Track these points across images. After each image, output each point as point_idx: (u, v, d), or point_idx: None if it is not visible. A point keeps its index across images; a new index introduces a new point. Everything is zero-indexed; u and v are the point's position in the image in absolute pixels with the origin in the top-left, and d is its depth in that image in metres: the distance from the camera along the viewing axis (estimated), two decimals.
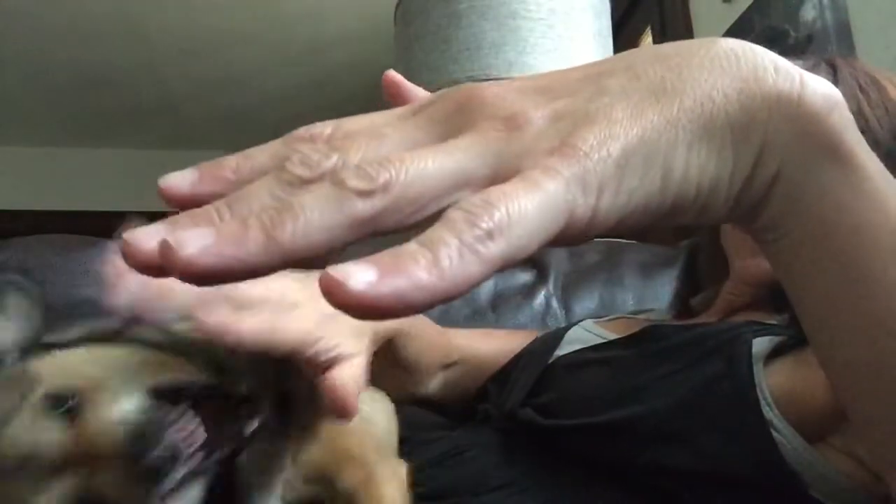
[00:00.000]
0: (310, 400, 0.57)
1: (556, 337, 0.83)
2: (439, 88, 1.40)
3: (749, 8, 1.93)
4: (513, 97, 0.27)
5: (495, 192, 0.23)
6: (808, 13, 1.72)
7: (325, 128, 0.29)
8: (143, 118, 3.74)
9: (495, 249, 0.22)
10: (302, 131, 0.29)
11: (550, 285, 1.19)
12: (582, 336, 0.84)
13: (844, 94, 0.83)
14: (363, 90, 3.49)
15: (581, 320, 0.91)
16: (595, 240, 1.34)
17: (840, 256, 0.30)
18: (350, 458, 0.62)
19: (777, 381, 0.58)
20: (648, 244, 1.37)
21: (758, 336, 0.62)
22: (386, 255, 0.22)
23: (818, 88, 0.31)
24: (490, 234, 0.22)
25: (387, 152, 0.26)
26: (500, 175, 0.24)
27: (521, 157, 0.25)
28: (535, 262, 1.22)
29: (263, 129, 4.10)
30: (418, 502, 0.63)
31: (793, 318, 0.70)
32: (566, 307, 1.17)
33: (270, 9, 3.06)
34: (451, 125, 0.26)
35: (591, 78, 0.28)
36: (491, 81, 0.28)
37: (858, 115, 0.78)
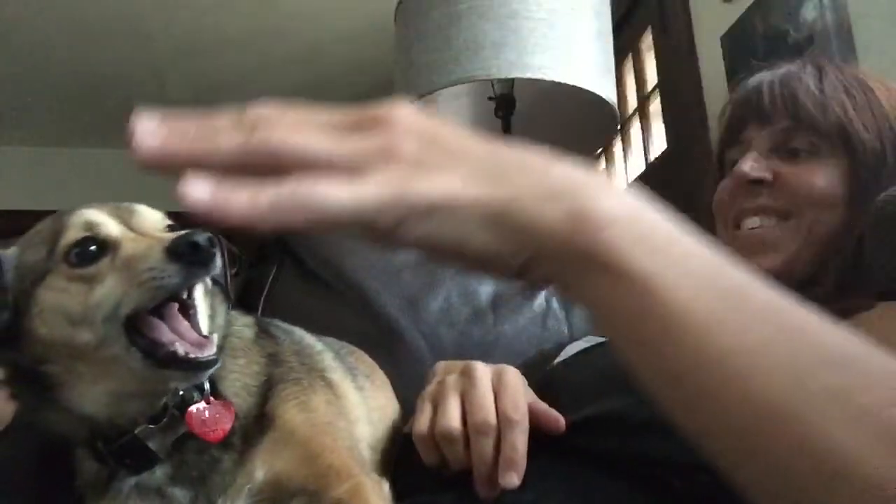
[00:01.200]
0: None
1: (559, 345, 0.84)
2: (440, 89, 1.38)
3: (749, 8, 1.93)
4: (413, 137, 0.34)
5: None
6: (809, 13, 1.72)
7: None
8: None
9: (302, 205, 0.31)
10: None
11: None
12: (583, 346, 0.85)
13: (830, 96, 0.83)
14: (364, 90, 3.49)
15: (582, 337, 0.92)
16: None
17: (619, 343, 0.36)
18: (335, 473, 0.63)
19: None
20: None
21: None
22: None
23: (601, 208, 0.34)
24: (296, 188, 0.32)
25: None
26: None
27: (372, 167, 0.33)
28: None
29: None
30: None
31: None
32: (566, 308, 1.18)
33: (270, 9, 3.06)
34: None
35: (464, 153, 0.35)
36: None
37: (843, 116, 0.78)
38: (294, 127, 0.34)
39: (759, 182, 0.80)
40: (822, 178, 0.78)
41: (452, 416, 0.63)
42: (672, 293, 0.34)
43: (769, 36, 1.85)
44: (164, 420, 0.62)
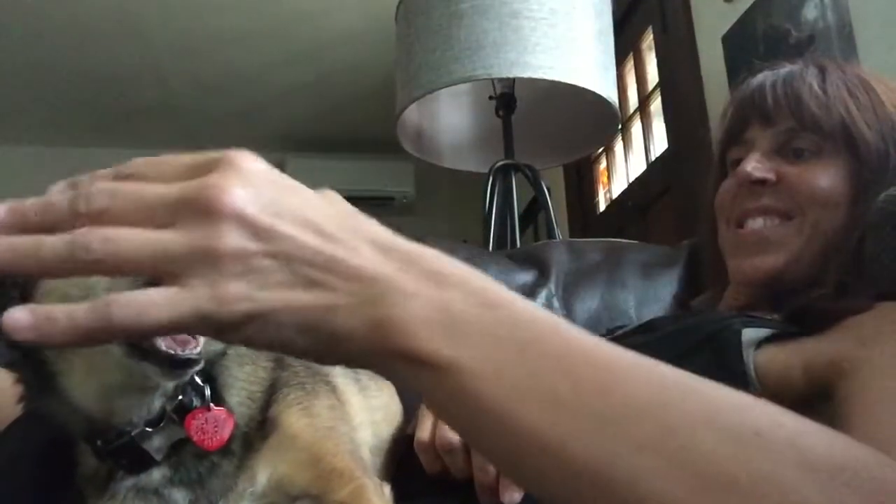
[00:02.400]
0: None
1: None
2: (441, 88, 1.38)
3: (751, 7, 1.93)
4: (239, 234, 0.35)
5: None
6: (810, 13, 1.72)
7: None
8: (145, 118, 3.74)
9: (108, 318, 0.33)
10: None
11: (552, 285, 1.19)
12: None
13: (833, 96, 0.83)
14: (364, 89, 3.49)
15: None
16: (596, 239, 1.34)
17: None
18: (338, 476, 0.63)
19: (764, 359, 0.59)
20: (650, 244, 1.36)
21: (748, 327, 0.63)
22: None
23: (401, 314, 0.35)
24: (108, 307, 0.33)
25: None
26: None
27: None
28: (536, 261, 1.22)
29: (266, 128, 4.07)
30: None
31: (788, 316, 0.71)
32: (567, 307, 1.17)
33: (272, 8, 3.06)
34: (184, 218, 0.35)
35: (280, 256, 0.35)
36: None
37: (847, 115, 0.78)
38: (114, 221, 0.35)
39: (762, 182, 0.80)
40: (825, 178, 0.78)
41: (427, 433, 0.63)
42: (476, 379, 0.35)
43: (770, 35, 1.85)
44: (161, 424, 0.62)
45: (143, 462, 0.62)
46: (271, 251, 0.35)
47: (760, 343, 0.62)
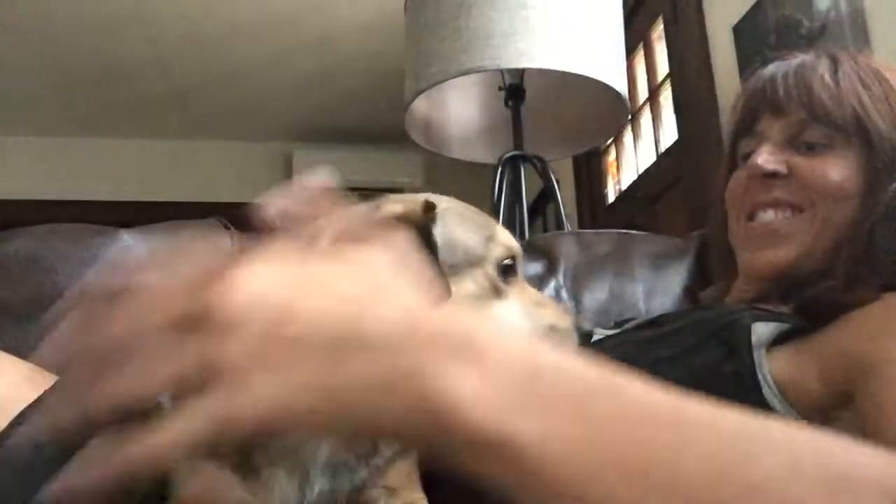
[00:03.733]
0: None
1: None
2: (450, 79, 1.38)
3: None
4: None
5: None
6: (822, 2, 1.70)
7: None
8: (153, 109, 3.74)
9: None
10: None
11: (560, 276, 1.18)
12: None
13: (845, 88, 0.83)
14: (373, 80, 3.48)
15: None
16: (605, 231, 1.34)
17: None
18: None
19: (777, 365, 0.59)
20: (659, 235, 1.36)
21: (758, 321, 0.62)
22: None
23: (446, 388, 0.32)
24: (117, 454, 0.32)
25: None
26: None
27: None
28: (544, 252, 1.22)
29: (274, 119, 4.07)
30: None
31: (797, 309, 0.70)
32: (576, 298, 1.17)
33: None
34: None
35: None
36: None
37: (859, 107, 0.78)
38: (125, 347, 0.33)
39: (773, 175, 0.80)
40: (836, 170, 0.78)
41: None
42: (540, 454, 0.31)
43: (781, 26, 1.83)
44: None
45: None
46: (284, 341, 0.32)
47: (772, 344, 0.61)
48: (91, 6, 3.03)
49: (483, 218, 0.66)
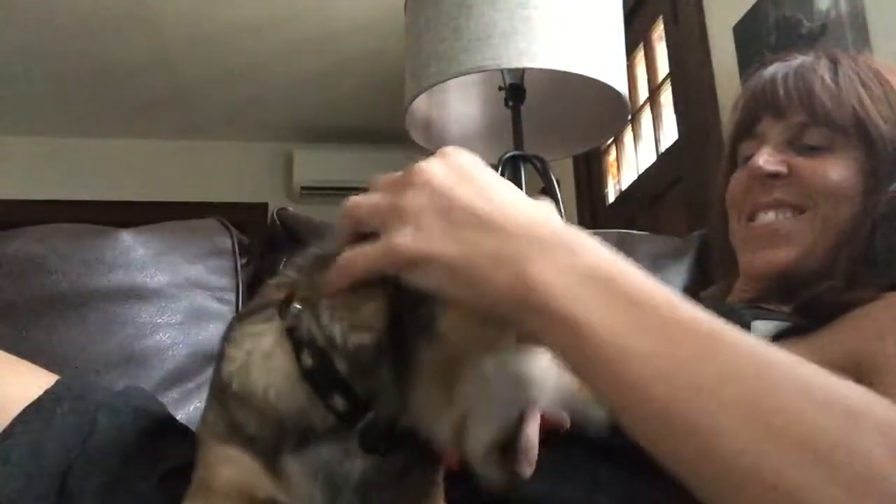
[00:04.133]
0: None
1: None
2: (450, 79, 1.37)
3: None
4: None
5: None
6: (823, 2, 1.70)
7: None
8: (155, 108, 3.75)
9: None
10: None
11: None
12: None
13: (845, 89, 0.83)
14: (373, 80, 3.48)
15: None
16: (605, 230, 1.34)
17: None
18: None
19: None
20: (659, 235, 1.36)
21: (758, 319, 0.63)
22: None
23: (535, 272, 0.43)
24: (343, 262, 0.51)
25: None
26: None
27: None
28: None
29: (274, 119, 4.06)
30: None
31: (798, 308, 0.70)
32: None
33: None
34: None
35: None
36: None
37: (860, 107, 0.78)
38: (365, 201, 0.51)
39: (774, 176, 0.80)
40: (837, 171, 0.78)
41: None
42: (594, 336, 0.40)
43: (782, 26, 1.83)
44: None
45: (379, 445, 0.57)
46: (439, 207, 0.46)
47: (771, 340, 0.61)
48: (91, 7, 3.03)
49: None
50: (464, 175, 0.48)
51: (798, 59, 0.84)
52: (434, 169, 0.47)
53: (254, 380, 0.54)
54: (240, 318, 0.61)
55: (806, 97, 0.80)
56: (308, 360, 0.53)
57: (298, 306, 0.55)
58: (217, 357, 0.59)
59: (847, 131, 0.78)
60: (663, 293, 0.42)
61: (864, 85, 0.79)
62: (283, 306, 0.56)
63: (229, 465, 0.54)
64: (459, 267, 0.44)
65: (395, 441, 0.54)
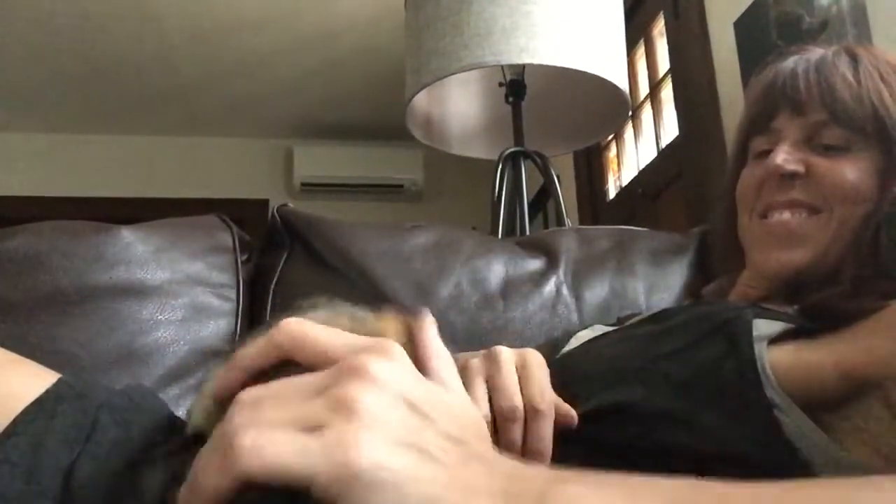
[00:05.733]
0: None
1: (568, 333, 0.84)
2: (450, 75, 1.38)
3: None
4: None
5: None
6: None
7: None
8: (155, 105, 3.74)
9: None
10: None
11: (561, 272, 1.18)
12: (591, 335, 0.84)
13: (865, 85, 0.81)
14: (373, 76, 3.48)
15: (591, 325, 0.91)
16: (605, 227, 1.34)
17: None
18: None
19: (780, 361, 0.58)
20: (660, 231, 1.36)
21: (760, 318, 0.62)
22: None
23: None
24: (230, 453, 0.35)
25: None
26: None
27: None
28: (545, 249, 1.22)
29: (274, 115, 4.07)
30: None
31: (802, 309, 0.70)
32: (576, 295, 1.17)
33: None
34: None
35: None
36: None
37: (880, 105, 0.77)
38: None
39: (791, 175, 0.79)
40: (854, 172, 0.77)
41: (481, 401, 0.62)
42: None
43: (782, 21, 1.83)
44: None
45: None
46: (405, 418, 0.35)
47: (774, 340, 0.61)
48: (91, 3, 3.03)
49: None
50: (412, 385, 0.37)
51: (817, 54, 0.83)
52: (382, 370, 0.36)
53: None
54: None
55: (828, 95, 0.78)
56: None
57: None
58: None
59: (866, 131, 0.77)
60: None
61: (883, 80, 0.78)
62: None
63: None
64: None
65: None
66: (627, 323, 0.84)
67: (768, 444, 0.55)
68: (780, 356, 0.59)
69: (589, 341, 0.82)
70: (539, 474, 0.37)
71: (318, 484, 0.32)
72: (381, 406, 0.34)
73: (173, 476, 0.67)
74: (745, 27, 1.97)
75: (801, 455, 0.54)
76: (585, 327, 0.92)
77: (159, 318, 1.09)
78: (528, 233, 1.83)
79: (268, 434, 0.33)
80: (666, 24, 2.48)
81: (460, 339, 1.05)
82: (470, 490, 0.34)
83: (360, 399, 0.34)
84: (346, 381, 0.35)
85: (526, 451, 0.60)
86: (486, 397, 0.63)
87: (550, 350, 0.82)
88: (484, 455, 0.37)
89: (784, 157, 0.78)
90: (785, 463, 0.54)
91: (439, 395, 0.38)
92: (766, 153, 0.82)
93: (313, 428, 0.33)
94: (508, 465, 0.37)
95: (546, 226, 3.31)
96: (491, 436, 0.62)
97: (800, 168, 0.78)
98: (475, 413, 0.40)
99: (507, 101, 1.85)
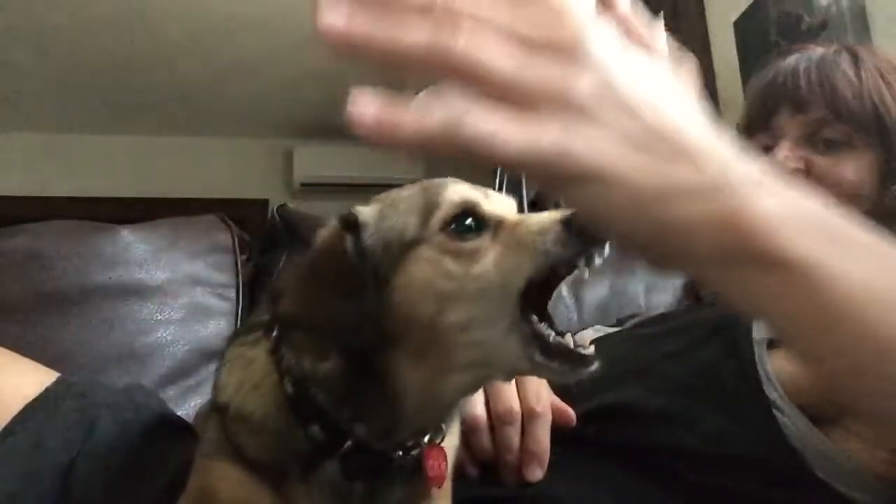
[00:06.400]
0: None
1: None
2: None
3: None
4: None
5: None
6: None
7: None
8: (154, 105, 3.74)
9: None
10: None
11: None
12: (592, 335, 0.84)
13: (866, 84, 0.81)
14: (375, 76, 3.48)
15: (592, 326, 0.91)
16: None
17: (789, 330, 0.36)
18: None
19: (781, 364, 0.58)
20: None
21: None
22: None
23: (755, 211, 0.33)
24: (462, 116, 0.32)
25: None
26: None
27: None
28: None
29: (274, 115, 4.04)
30: None
31: None
32: (576, 294, 1.17)
33: None
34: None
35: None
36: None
37: (881, 104, 0.77)
38: (481, 30, 0.32)
39: (791, 173, 0.78)
40: (853, 170, 0.77)
41: (477, 405, 0.63)
42: (831, 279, 0.33)
43: (782, 21, 1.83)
44: (413, 452, 0.56)
45: (360, 475, 0.55)
46: (621, 102, 0.33)
47: (774, 342, 0.61)
48: (90, 3, 3.03)
49: (425, 194, 0.58)
50: (642, 66, 0.35)
51: (818, 52, 0.83)
52: (605, 49, 0.33)
53: (250, 409, 0.55)
54: (231, 338, 0.62)
55: (829, 92, 0.78)
56: (289, 389, 0.54)
57: (277, 334, 0.55)
58: (216, 373, 0.60)
59: (867, 128, 0.77)
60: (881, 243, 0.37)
61: (884, 79, 0.78)
62: (268, 331, 0.56)
63: (231, 484, 0.55)
64: (641, 197, 0.32)
65: (374, 469, 0.54)
66: (628, 324, 0.84)
67: (768, 444, 0.55)
68: (781, 361, 0.59)
69: (592, 342, 0.82)
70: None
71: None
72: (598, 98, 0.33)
73: (173, 476, 0.67)
74: (745, 27, 1.97)
75: (801, 455, 0.54)
76: (585, 328, 0.92)
77: (159, 317, 1.09)
78: None
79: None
80: (665, 24, 2.48)
81: None
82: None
83: (576, 90, 0.32)
84: (562, 64, 0.33)
85: (523, 453, 0.61)
86: (482, 400, 0.63)
87: None
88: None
89: (786, 154, 0.78)
90: (784, 463, 0.54)
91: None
92: (767, 150, 0.82)
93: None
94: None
95: None
96: (487, 439, 0.62)
97: (800, 166, 0.78)
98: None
99: None
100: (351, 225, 0.55)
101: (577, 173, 0.32)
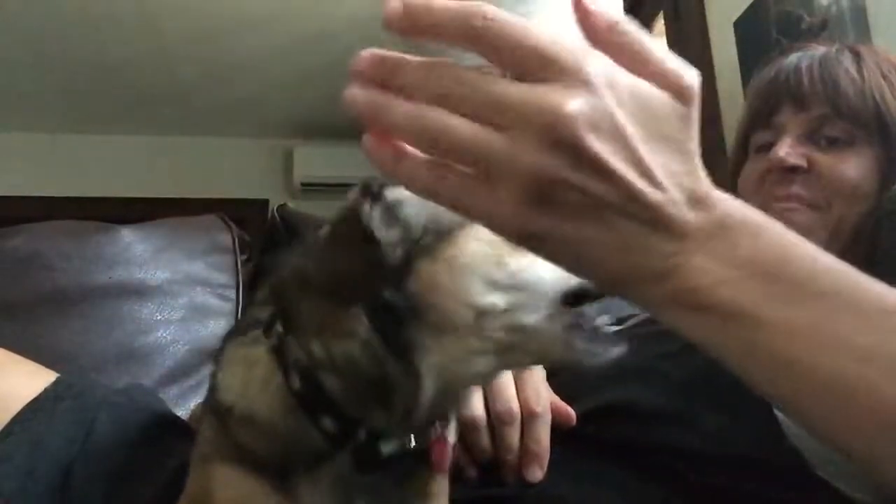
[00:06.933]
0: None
1: None
2: None
3: None
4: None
5: None
6: None
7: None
8: (153, 105, 3.74)
9: None
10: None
11: None
12: None
13: (868, 82, 0.82)
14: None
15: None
16: None
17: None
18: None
19: None
20: None
21: None
22: None
23: (702, 282, 0.37)
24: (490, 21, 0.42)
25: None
26: None
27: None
28: None
29: (274, 115, 4.05)
30: None
31: None
32: None
33: None
34: None
35: None
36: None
37: (882, 102, 0.77)
38: (459, 104, 0.38)
39: (793, 169, 0.78)
40: (855, 168, 0.77)
41: (476, 405, 0.63)
42: (769, 328, 0.37)
43: (783, 21, 1.83)
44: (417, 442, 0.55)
45: (374, 466, 0.55)
46: (588, 189, 0.35)
47: None
48: (91, 2, 3.03)
49: None
50: (619, 126, 0.37)
51: (820, 50, 0.83)
52: (580, 121, 0.35)
53: (257, 411, 0.54)
54: (227, 337, 0.61)
55: (831, 89, 0.78)
56: (296, 384, 0.53)
57: (280, 328, 0.54)
58: (212, 373, 0.59)
59: (868, 126, 0.77)
60: (840, 279, 0.40)
61: (885, 78, 0.79)
62: (268, 327, 0.56)
63: (231, 486, 0.54)
64: (603, 278, 0.39)
65: (387, 460, 0.54)
66: (627, 324, 0.83)
67: (768, 444, 0.55)
68: None
69: None
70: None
71: None
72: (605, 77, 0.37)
73: (173, 476, 0.67)
74: (745, 27, 1.97)
75: (801, 455, 0.54)
76: None
77: (159, 317, 1.09)
78: None
79: None
80: (666, 23, 2.48)
81: None
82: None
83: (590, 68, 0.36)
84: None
85: (523, 453, 0.61)
86: (481, 400, 0.63)
87: None
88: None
89: (787, 150, 0.78)
90: (784, 463, 0.54)
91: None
92: (768, 147, 0.82)
93: None
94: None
95: None
96: (487, 439, 0.62)
97: (802, 162, 0.78)
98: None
99: None
100: (371, 193, 0.54)
101: (569, 137, 0.35)
